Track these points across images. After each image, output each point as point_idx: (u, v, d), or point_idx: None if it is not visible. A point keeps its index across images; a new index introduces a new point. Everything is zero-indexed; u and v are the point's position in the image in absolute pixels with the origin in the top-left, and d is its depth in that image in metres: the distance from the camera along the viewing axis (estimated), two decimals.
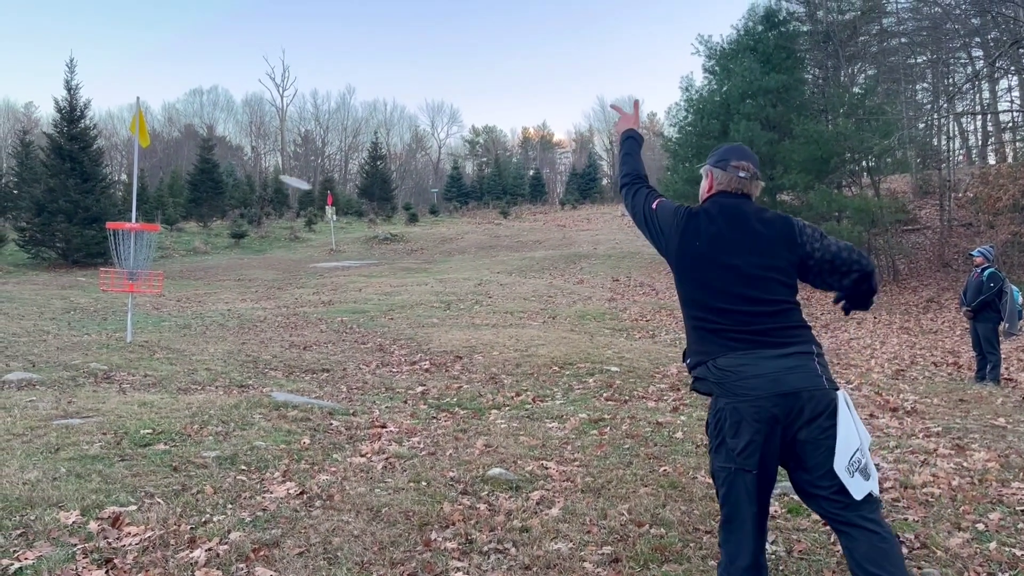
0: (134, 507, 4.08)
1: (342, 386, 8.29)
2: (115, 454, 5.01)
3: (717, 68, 25.44)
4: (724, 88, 24.41)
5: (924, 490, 4.66)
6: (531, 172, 75.20)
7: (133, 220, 10.23)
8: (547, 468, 5.08)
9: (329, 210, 37.07)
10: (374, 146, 60.58)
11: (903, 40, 34.14)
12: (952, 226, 27.16)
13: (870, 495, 2.51)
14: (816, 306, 19.02)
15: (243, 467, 4.91)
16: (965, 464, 5.26)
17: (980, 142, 46.02)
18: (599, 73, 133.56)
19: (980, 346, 9.98)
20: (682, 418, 6.68)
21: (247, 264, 29.05)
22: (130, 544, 3.62)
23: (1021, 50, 20.39)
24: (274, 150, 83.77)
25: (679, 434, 6.00)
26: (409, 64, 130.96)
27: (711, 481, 4.75)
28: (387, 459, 5.24)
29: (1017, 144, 41.62)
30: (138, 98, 10.40)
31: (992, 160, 44.12)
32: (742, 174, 2.79)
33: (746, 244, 2.69)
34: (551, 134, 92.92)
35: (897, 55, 34.05)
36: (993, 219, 23.55)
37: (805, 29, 27.68)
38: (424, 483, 4.70)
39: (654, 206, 2.90)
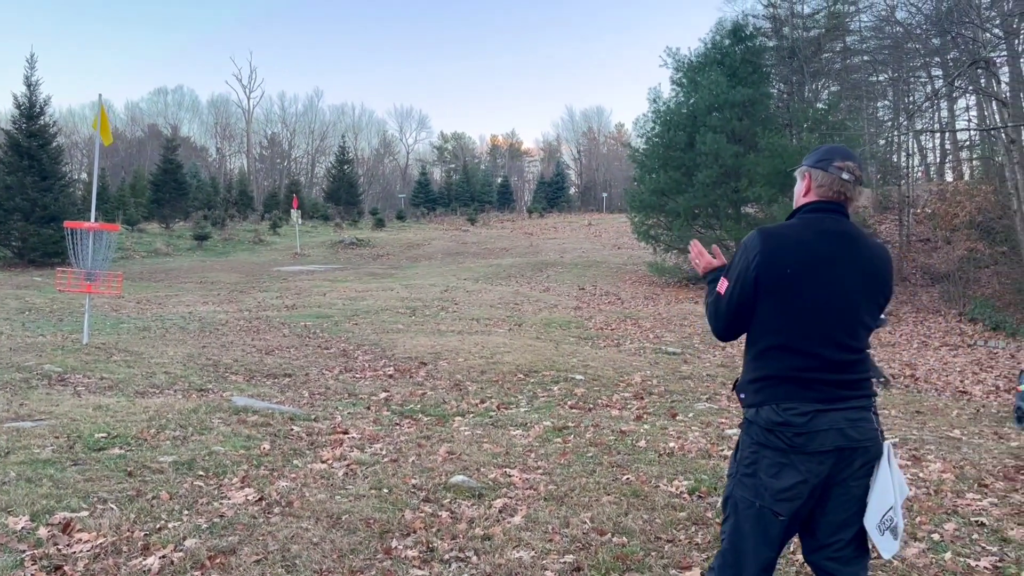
0: (86, 513, 3.98)
1: (304, 391, 8.18)
2: (67, 458, 4.89)
3: (685, 80, 25.69)
4: (691, 100, 24.67)
5: None
6: (499, 180, 75.24)
7: (92, 219, 10.02)
8: (510, 476, 5.05)
9: (294, 213, 36.75)
10: (341, 150, 60.10)
11: (865, 58, 34.83)
12: (911, 241, 27.72)
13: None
14: None
15: (200, 472, 4.82)
16: (921, 475, 5.35)
17: (938, 160, 47.06)
18: (568, 83, 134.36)
19: None
20: (645, 427, 6.71)
21: (210, 267, 28.66)
22: (81, 551, 3.53)
23: (979, 70, 20.90)
24: (240, 152, 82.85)
25: (642, 443, 6.01)
26: (378, 68, 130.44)
27: (674, 490, 4.80)
28: (348, 466, 5.17)
29: (974, 162, 42.70)
30: (100, 95, 10.21)
31: (949, 177, 45.22)
32: (845, 176, 2.42)
33: (847, 277, 2.37)
34: (520, 142, 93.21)
35: (859, 73, 34.70)
36: (950, 235, 24.10)
37: (771, 44, 28.11)
38: (386, 490, 4.65)
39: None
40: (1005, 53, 25.85)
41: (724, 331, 2.52)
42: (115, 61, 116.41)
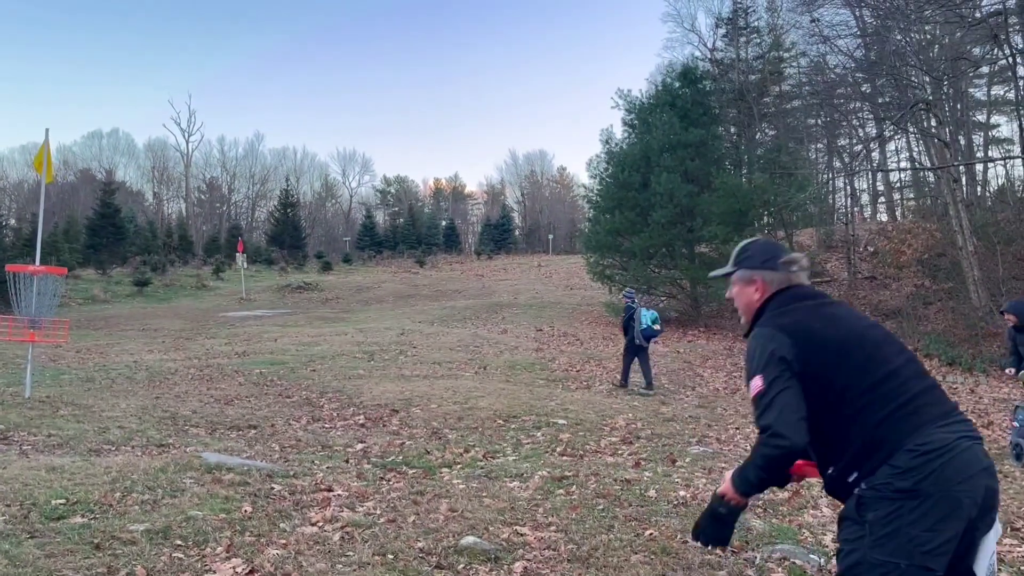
0: None
1: (274, 444, 7.62)
2: (23, 530, 4.30)
3: (636, 122, 25.94)
4: (645, 141, 24.84)
5: None
6: (444, 222, 75.11)
7: (36, 263, 9.33)
8: (523, 534, 4.63)
9: (240, 257, 35.78)
10: (285, 193, 59.35)
11: (796, 103, 35.90)
12: (856, 279, 28.25)
13: None
14: (740, 355, 19.20)
15: (178, 542, 4.27)
16: None
17: (871, 200, 48.57)
18: (511, 127, 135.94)
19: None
20: (647, 474, 6.35)
21: (151, 313, 27.57)
22: None
23: (921, 112, 21.54)
24: (177, 196, 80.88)
25: (651, 492, 5.66)
26: (320, 112, 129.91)
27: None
28: (343, 528, 4.68)
29: (908, 202, 44.14)
30: (47, 130, 9.54)
31: (883, 217, 46.72)
32: (795, 268, 2.51)
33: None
34: (463, 185, 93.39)
35: (796, 117, 35.72)
36: (898, 272, 24.59)
37: (720, 87, 28.68)
38: (391, 556, 4.18)
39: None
40: (931, 97, 26.85)
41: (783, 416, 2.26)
42: (47, 104, 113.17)
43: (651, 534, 4.62)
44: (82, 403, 9.19)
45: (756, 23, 33.43)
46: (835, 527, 4.84)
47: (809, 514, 5.20)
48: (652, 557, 4.21)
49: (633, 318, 13.11)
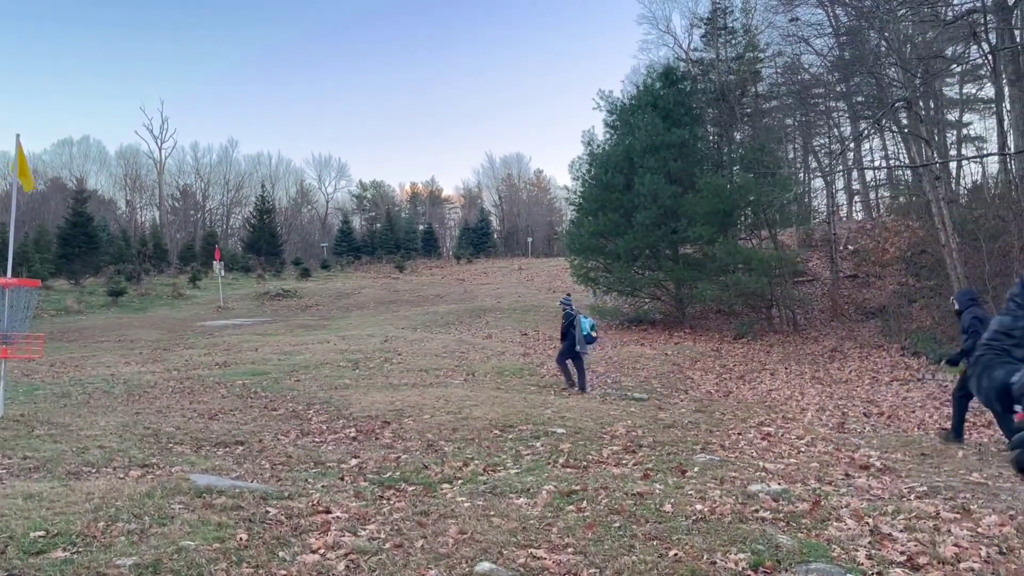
0: None
1: (263, 461, 7.27)
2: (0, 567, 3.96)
3: (619, 123, 25.77)
4: (627, 142, 24.66)
5: (962, 566, 4.22)
6: (422, 227, 74.74)
7: (8, 275, 8.91)
8: (540, 558, 4.35)
9: (217, 265, 35.17)
10: (261, 199, 58.59)
11: (774, 103, 36.01)
12: (839, 277, 28.27)
13: None
14: (727, 357, 19.07)
15: None
16: (979, 530, 4.89)
17: (847, 198, 48.91)
18: (487, 130, 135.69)
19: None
20: (658, 487, 6.09)
21: (127, 324, 26.95)
22: None
23: (903, 111, 21.54)
24: (150, 204, 79.76)
25: (667, 507, 5.39)
26: (295, 117, 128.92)
27: (734, 566, 4.18)
28: (347, 556, 4.37)
29: (883, 200, 44.43)
30: (17, 135, 9.13)
31: (859, 215, 47.06)
32: None
33: None
34: (440, 189, 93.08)
35: (772, 117, 35.83)
36: (882, 270, 24.59)
37: (700, 87, 28.59)
38: None
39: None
40: (909, 95, 26.93)
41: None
42: (14, 112, 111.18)
43: (676, 555, 4.35)
44: (58, 421, 8.78)
45: (733, 24, 33.52)
46: (866, 541, 4.61)
47: (834, 527, 4.96)
48: None
49: (573, 324, 13.29)
